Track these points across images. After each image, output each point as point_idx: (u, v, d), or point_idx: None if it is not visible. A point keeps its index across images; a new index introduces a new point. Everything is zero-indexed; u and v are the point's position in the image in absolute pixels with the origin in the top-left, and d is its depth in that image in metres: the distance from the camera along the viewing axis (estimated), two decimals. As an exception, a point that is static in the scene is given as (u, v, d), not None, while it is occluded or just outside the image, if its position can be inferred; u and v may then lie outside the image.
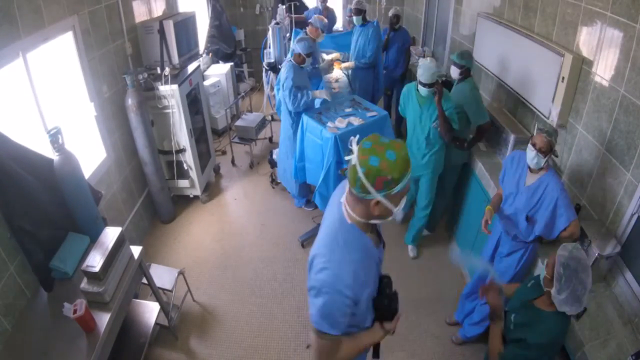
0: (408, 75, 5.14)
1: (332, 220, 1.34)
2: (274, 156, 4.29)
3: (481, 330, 2.56)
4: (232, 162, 4.93)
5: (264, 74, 5.84)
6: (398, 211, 1.25)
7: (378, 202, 1.20)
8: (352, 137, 1.24)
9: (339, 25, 6.72)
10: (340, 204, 1.35)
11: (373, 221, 1.29)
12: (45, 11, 2.42)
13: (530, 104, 2.75)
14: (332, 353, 1.32)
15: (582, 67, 2.28)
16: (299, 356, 2.72)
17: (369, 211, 1.23)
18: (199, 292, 3.12)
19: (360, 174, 1.16)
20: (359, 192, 1.20)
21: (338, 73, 4.66)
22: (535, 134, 2.02)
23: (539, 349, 1.56)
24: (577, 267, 1.48)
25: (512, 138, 2.81)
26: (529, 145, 2.02)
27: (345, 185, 1.35)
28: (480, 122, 2.95)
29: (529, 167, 2.09)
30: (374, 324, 1.42)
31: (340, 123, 3.27)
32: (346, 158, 1.23)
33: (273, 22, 5.45)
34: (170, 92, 3.50)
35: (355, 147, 1.21)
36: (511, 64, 3.03)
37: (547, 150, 1.96)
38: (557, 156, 2.09)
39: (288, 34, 5.56)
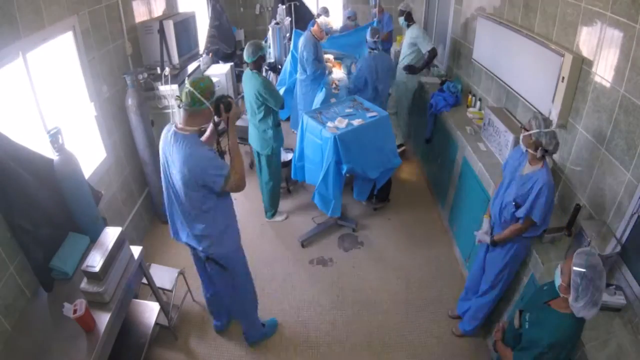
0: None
1: (180, 146, 1.94)
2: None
3: (478, 323, 2.67)
4: (232, 162, 4.93)
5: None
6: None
7: (209, 109, 1.94)
8: (184, 82, 1.97)
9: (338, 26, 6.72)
10: (174, 135, 1.96)
11: (204, 125, 2.05)
12: (45, 11, 2.42)
13: (530, 104, 2.75)
14: (233, 178, 2.01)
15: (582, 67, 2.28)
16: (299, 356, 2.72)
17: (201, 118, 1.97)
18: (199, 292, 3.11)
19: (197, 93, 1.87)
20: (196, 106, 1.90)
21: (339, 73, 4.66)
22: (526, 125, 2.10)
23: (553, 348, 1.58)
24: (594, 275, 1.49)
25: (512, 138, 2.81)
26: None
27: (168, 129, 2.03)
28: (428, 49, 4.19)
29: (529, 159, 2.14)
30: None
31: (341, 123, 3.27)
32: (183, 90, 1.92)
33: (273, 22, 5.45)
34: (170, 92, 3.50)
35: (187, 83, 1.92)
36: (511, 64, 3.03)
37: (534, 149, 2.04)
38: (548, 151, 2.03)
39: (288, 34, 5.57)
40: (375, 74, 4.01)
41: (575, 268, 1.52)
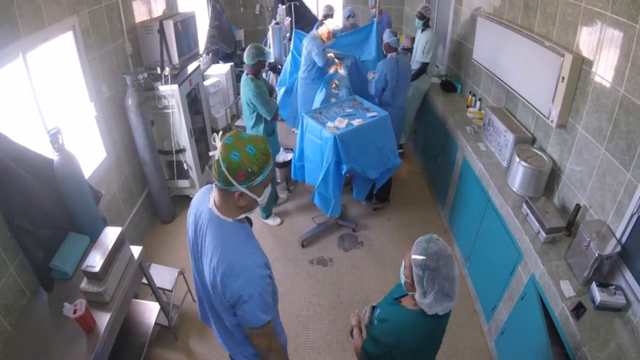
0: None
1: (214, 234, 1.36)
2: (274, 156, 4.30)
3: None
4: (232, 162, 4.92)
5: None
6: (262, 200, 1.35)
7: (242, 194, 1.28)
8: (214, 134, 1.31)
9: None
10: (209, 212, 1.37)
11: (241, 216, 1.37)
12: (45, 11, 2.42)
13: (530, 104, 2.74)
14: (273, 334, 1.45)
15: (582, 67, 2.28)
16: (299, 356, 2.72)
17: (235, 204, 1.31)
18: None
19: (223, 168, 1.23)
20: (223, 185, 1.27)
21: (338, 73, 4.65)
22: None
23: (397, 348, 1.41)
24: (438, 263, 1.30)
25: (512, 138, 2.81)
26: None
27: (206, 194, 1.44)
28: (422, 61, 4.32)
29: None
30: None
31: (341, 123, 3.27)
32: (210, 154, 1.29)
33: (273, 22, 5.45)
34: (170, 92, 3.50)
35: (218, 143, 1.26)
36: (511, 64, 3.03)
37: None
38: None
39: (288, 34, 5.56)
40: (397, 76, 3.98)
41: (414, 257, 1.34)
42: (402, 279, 1.45)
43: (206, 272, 1.37)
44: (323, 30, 4.23)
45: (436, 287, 1.31)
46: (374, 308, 1.67)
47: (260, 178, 1.27)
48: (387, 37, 3.99)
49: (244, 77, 3.29)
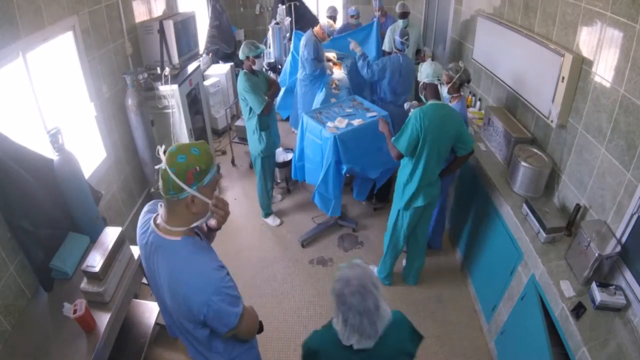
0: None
1: (164, 258, 1.33)
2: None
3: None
4: (232, 162, 4.93)
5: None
6: (212, 205, 1.33)
7: (194, 199, 1.27)
8: (157, 147, 1.31)
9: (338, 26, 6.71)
10: (155, 238, 1.34)
11: (195, 224, 1.34)
12: (45, 11, 2.42)
13: (530, 104, 2.74)
14: (250, 316, 1.45)
15: (582, 67, 2.28)
16: (298, 356, 2.72)
17: (188, 212, 1.29)
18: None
19: (171, 174, 1.22)
20: (173, 194, 1.25)
21: (339, 73, 4.66)
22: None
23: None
24: (343, 290, 1.22)
25: (512, 138, 2.81)
26: None
27: (147, 221, 1.40)
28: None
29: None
30: None
31: (341, 123, 3.28)
32: (156, 167, 1.27)
33: (273, 22, 5.45)
34: (170, 92, 3.50)
35: (163, 156, 1.27)
36: (511, 64, 3.03)
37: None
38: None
39: (288, 34, 5.57)
40: (398, 75, 3.94)
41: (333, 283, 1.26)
42: None
43: (167, 298, 1.34)
44: (317, 29, 4.24)
45: (341, 316, 1.25)
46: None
47: (209, 177, 1.28)
48: (397, 35, 3.90)
49: (240, 71, 3.35)
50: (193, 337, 1.45)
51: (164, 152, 1.28)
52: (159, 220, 1.35)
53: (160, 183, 1.26)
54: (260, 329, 1.64)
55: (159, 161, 1.26)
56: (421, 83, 2.61)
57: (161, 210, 1.35)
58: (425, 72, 2.57)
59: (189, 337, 1.46)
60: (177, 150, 1.24)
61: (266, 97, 3.29)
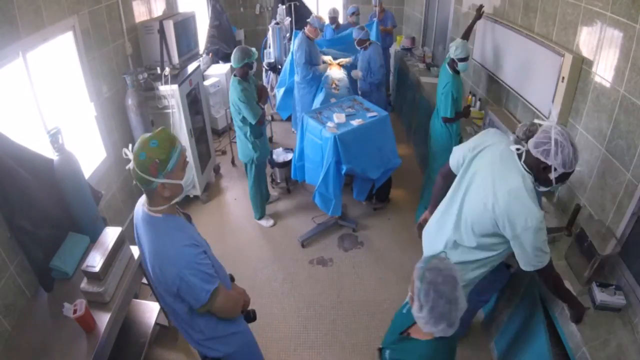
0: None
1: (146, 231, 1.48)
2: (274, 156, 4.29)
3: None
4: (232, 162, 4.93)
5: (264, 74, 5.84)
6: (187, 181, 1.47)
7: (164, 185, 1.39)
8: (124, 149, 1.44)
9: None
10: (142, 213, 1.51)
11: (173, 202, 1.48)
12: (45, 11, 2.42)
13: (530, 104, 2.75)
14: (227, 297, 1.57)
15: (582, 67, 2.28)
16: (299, 356, 2.72)
17: (160, 196, 1.43)
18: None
19: (137, 171, 1.35)
20: (146, 186, 1.39)
21: (338, 74, 4.66)
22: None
23: None
24: (436, 278, 1.26)
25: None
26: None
27: (139, 205, 1.56)
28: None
29: None
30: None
31: (339, 118, 3.27)
32: (126, 168, 1.41)
33: (273, 22, 5.45)
34: (170, 92, 3.50)
35: (130, 155, 1.39)
36: (511, 63, 3.04)
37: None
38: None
39: (288, 34, 5.57)
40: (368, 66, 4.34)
41: (416, 270, 1.30)
42: (408, 297, 1.41)
43: (149, 267, 1.47)
44: (309, 28, 4.26)
45: (430, 303, 1.25)
46: (381, 350, 1.56)
47: (171, 163, 1.38)
48: (356, 34, 4.31)
49: (232, 79, 3.22)
50: (175, 312, 1.58)
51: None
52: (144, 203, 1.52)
53: (134, 180, 1.40)
54: (252, 317, 1.78)
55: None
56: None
57: (143, 197, 1.52)
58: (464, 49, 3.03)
59: (171, 311, 1.60)
60: (138, 149, 1.36)
61: (260, 107, 3.24)
